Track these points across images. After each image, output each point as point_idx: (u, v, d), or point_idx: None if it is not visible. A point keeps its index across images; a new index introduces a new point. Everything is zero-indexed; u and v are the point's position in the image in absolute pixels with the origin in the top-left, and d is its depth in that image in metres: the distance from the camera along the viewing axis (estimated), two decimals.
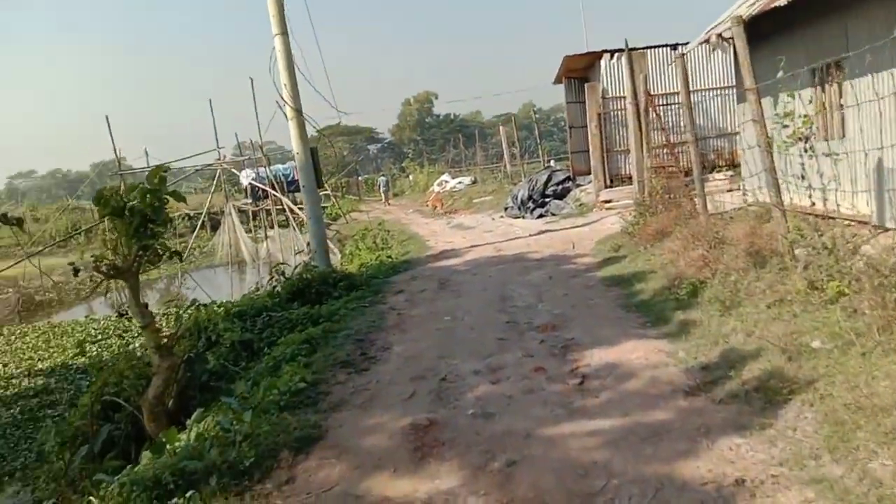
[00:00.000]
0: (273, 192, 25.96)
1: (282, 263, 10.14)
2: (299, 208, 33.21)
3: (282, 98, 11.78)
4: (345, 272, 10.40)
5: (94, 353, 12.44)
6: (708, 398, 4.40)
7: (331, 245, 21.15)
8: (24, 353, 14.23)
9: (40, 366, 13.07)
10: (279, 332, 8.05)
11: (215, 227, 30.64)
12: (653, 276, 8.03)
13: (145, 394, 5.91)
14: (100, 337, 14.79)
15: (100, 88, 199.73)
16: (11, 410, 10.35)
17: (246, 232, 28.24)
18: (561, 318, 7.05)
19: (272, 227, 26.49)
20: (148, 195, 5.36)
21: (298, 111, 11.81)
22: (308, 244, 13.56)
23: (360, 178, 53.56)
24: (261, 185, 26.88)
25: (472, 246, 13.75)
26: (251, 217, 29.26)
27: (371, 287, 10.04)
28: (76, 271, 6.19)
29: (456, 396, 5.09)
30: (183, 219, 38.42)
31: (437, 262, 12.18)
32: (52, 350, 14.32)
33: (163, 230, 5.72)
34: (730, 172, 16.24)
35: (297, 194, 34.09)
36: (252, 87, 25.34)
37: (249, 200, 29.54)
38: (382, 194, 39.68)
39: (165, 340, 6.01)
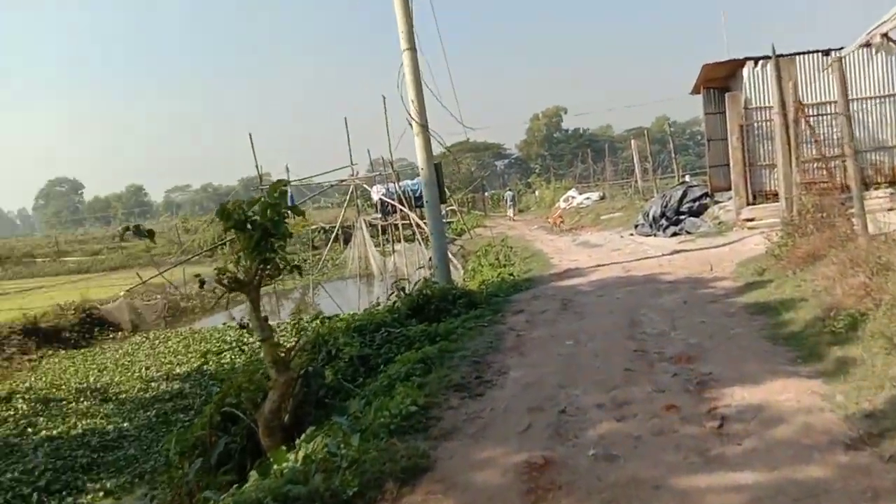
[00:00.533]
0: (401, 206, 26.36)
1: (402, 279, 10.04)
2: (425, 223, 33.77)
3: (408, 114, 11.80)
4: (465, 289, 10.19)
5: (226, 361, 12.92)
6: (874, 454, 3.74)
7: (454, 260, 21.14)
8: (164, 357, 15.07)
9: (178, 370, 13.77)
10: (397, 348, 7.92)
11: (348, 240, 31.57)
12: (803, 305, 7.19)
13: (261, 408, 5.90)
14: (234, 345, 15.45)
15: (245, 108, 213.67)
16: (148, 413, 10.88)
17: (375, 246, 28.88)
18: (697, 349, 6.43)
19: (399, 242, 26.92)
20: (268, 209, 5.34)
21: (424, 127, 11.79)
22: (430, 259, 13.46)
23: (486, 193, 53.66)
24: (389, 200, 27.40)
25: (599, 265, 13.14)
26: (380, 231, 29.88)
27: (491, 305, 9.75)
28: (202, 283, 6.33)
29: (576, 433, 4.66)
30: (319, 232, 40.08)
31: (561, 282, 11.70)
32: (189, 355, 15.09)
33: (283, 244, 5.68)
34: (889, 190, 14.66)
35: (423, 209, 34.80)
36: (384, 105, 25.98)
37: (379, 215, 30.22)
38: (508, 210, 39.48)
39: (283, 355, 5.98)
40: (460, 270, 18.90)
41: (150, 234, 5.92)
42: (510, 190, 43.37)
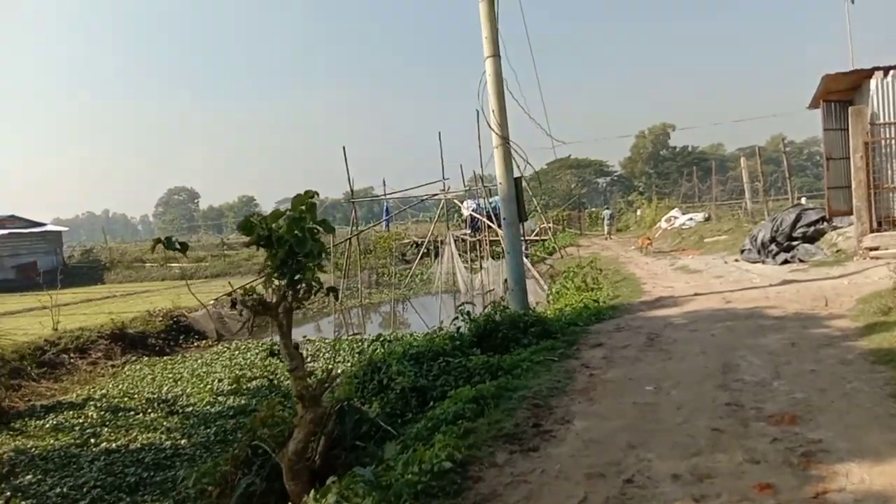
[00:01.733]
0: (489, 223, 25.63)
1: (467, 302, 9.23)
2: None
3: (489, 125, 11.06)
4: (538, 316, 9.27)
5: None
6: None
7: (540, 281, 20.16)
8: (240, 370, 14.87)
9: (251, 384, 13.47)
10: (454, 381, 7.13)
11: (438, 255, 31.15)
12: None
13: (286, 447, 5.25)
14: (308, 359, 15.09)
15: (345, 120, 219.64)
16: (208, 430, 10.54)
17: (463, 262, 28.25)
18: (804, 407, 5.28)
19: (487, 259, 26.17)
20: (293, 225, 4.71)
21: (505, 139, 11.01)
22: (505, 281, 12.59)
23: (583, 211, 52.10)
24: (479, 216, 26.76)
25: (696, 294, 11.86)
26: (469, 247, 29.22)
27: (566, 336, 8.80)
28: (233, 303, 5.74)
29: None
30: (411, 246, 39.95)
31: (650, 311, 10.56)
32: (266, 368, 14.80)
33: (314, 263, 5.02)
34: None
35: None
36: (477, 119, 25.39)
37: (469, 231, 29.64)
38: (605, 228, 37.98)
39: (311, 389, 5.31)
40: (543, 293, 17.91)
41: (183, 248, 5.38)
42: (608, 208, 41.78)
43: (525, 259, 23.57)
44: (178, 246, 5.46)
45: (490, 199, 31.54)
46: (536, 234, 35.66)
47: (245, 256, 46.36)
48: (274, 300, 5.18)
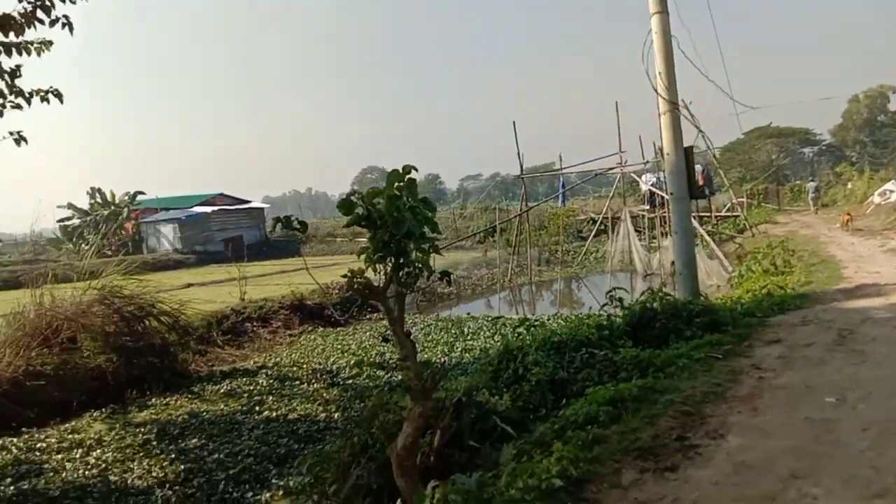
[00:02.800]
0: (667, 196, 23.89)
1: (618, 288, 8.34)
2: (701, 217, 30.47)
3: (654, 88, 9.98)
4: (706, 305, 8.16)
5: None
6: None
7: (724, 262, 18.39)
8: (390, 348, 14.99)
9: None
10: (598, 376, 6.43)
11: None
12: None
13: (394, 442, 4.91)
14: (468, 337, 14.92)
15: (523, 95, 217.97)
16: (363, 404, 10.60)
17: (641, 240, 26.70)
18: None
19: (666, 237, 24.46)
20: (391, 203, 4.30)
21: (674, 104, 9.91)
22: (672, 263, 11.43)
23: (783, 184, 47.35)
24: (658, 191, 25.02)
25: None
26: (647, 225, 27.54)
27: (738, 329, 7.68)
28: (350, 284, 5.44)
29: None
30: (587, 222, 38.63)
31: (847, 302, 9.00)
32: (426, 344, 14.80)
33: (413, 245, 4.60)
34: None
35: (700, 201, 31.43)
36: (655, 86, 23.64)
37: (647, 206, 27.93)
38: (811, 202, 34.16)
39: (424, 380, 4.90)
40: (728, 273, 16.27)
41: (303, 227, 5.16)
42: (813, 181, 37.45)
43: (708, 238, 21.74)
44: (297, 225, 5.27)
45: None
46: (728, 210, 32.87)
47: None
48: (381, 284, 4.83)
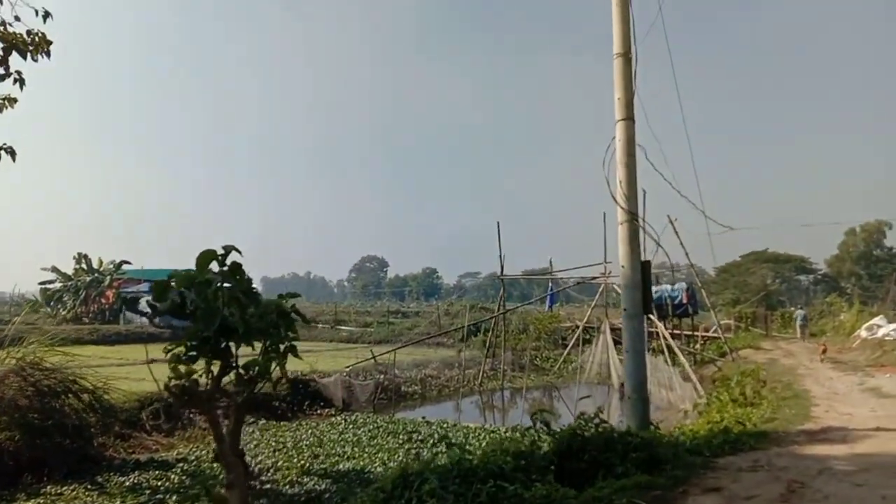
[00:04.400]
0: (649, 314, 23.17)
1: (543, 411, 7.44)
2: (681, 334, 29.62)
3: (612, 197, 9.43)
4: (646, 438, 7.23)
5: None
6: None
7: (698, 387, 17.44)
8: (342, 447, 13.88)
9: (341, 466, 12.43)
10: None
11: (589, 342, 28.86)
12: None
13: None
14: (417, 445, 13.82)
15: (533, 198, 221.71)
16: None
17: (619, 353, 25.75)
18: None
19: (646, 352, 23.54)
20: (200, 290, 3.56)
21: (633, 214, 9.32)
22: (621, 386, 10.52)
23: (775, 309, 46.67)
24: None
25: (879, 428, 9.08)
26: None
27: (677, 469, 6.75)
28: (165, 387, 4.58)
29: None
30: (572, 330, 37.69)
31: (807, 447, 8.07)
32: (367, 448, 13.71)
33: (227, 341, 3.84)
34: None
35: (684, 319, 30.69)
36: (644, 199, 23.42)
37: None
38: (798, 330, 33.40)
39: None
40: (698, 399, 15.30)
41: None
42: (801, 309, 36.81)
43: (683, 358, 20.85)
44: (146, 310, 4.48)
45: (656, 288, 28.97)
46: (713, 331, 32.04)
47: (408, 325, 46.66)
48: (207, 387, 4.03)
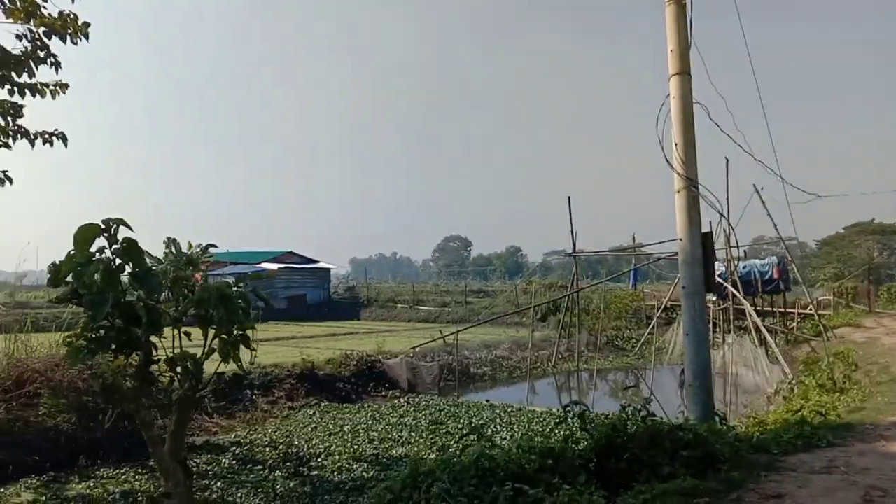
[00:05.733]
0: (734, 290, 21.61)
1: (576, 402, 6.64)
2: (773, 312, 27.65)
3: (667, 161, 8.45)
4: (699, 434, 6.31)
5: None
6: None
7: (786, 370, 16.05)
8: (398, 432, 13.50)
9: (394, 451, 12.05)
10: None
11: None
12: None
13: None
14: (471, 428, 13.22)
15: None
16: (325, 497, 9.23)
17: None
18: None
19: (730, 333, 22.04)
20: (79, 273, 3.05)
21: (691, 181, 8.31)
22: (681, 373, 9.54)
23: (881, 286, 43.22)
24: (723, 282, 22.77)
25: None
26: (710, 318, 25.04)
27: (733, 470, 5.88)
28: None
29: None
30: (657, 310, 36.08)
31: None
32: (424, 433, 13.26)
33: (140, 333, 3.32)
34: None
35: (774, 296, 28.67)
36: (726, 167, 21.81)
37: (713, 297, 25.54)
38: None
39: None
40: (788, 381, 13.97)
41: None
42: None
43: (770, 338, 19.31)
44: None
45: (744, 263, 27.15)
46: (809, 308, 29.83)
47: (486, 305, 46.10)
48: (130, 385, 3.55)
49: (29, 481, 10.03)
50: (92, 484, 10.09)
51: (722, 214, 8.84)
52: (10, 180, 10.27)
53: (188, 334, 4.27)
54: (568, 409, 6.45)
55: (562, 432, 6.46)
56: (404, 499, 5.40)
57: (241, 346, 3.97)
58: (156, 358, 3.67)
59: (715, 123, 9.13)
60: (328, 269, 54.30)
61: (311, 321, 42.05)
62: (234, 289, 4.34)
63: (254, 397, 15.85)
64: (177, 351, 4.54)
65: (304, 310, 47.12)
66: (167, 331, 4.78)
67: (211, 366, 5.51)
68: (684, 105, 8.34)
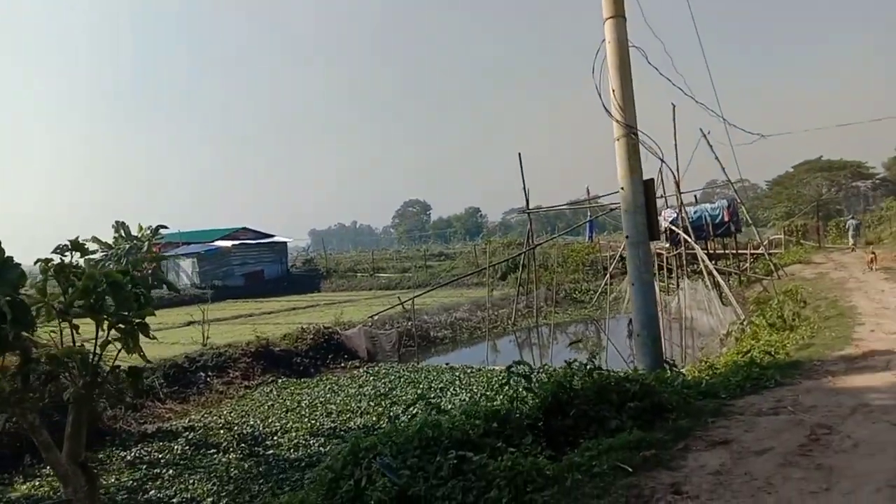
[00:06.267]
0: (685, 235, 21.80)
1: (519, 362, 6.49)
2: (726, 254, 28.04)
3: (605, 108, 8.23)
4: (646, 384, 6.20)
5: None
6: None
7: (738, 311, 16.24)
8: (357, 402, 13.30)
9: (351, 422, 11.86)
10: (462, 493, 4.66)
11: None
12: None
13: None
14: (428, 394, 13.11)
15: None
16: (264, 486, 8.97)
17: (658, 281, 24.49)
18: None
19: (684, 278, 22.27)
20: None
21: (630, 128, 8.11)
22: (629, 324, 9.49)
23: (828, 221, 44.21)
24: (675, 228, 22.95)
25: None
26: (667, 264, 25.30)
27: (681, 418, 5.79)
28: None
29: None
30: (617, 259, 36.37)
31: (842, 378, 6.98)
32: (383, 402, 13.09)
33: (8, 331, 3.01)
34: None
35: (726, 239, 29.06)
36: (673, 114, 21.78)
37: (666, 244, 25.76)
38: (850, 240, 31.44)
39: None
40: (740, 322, 14.10)
41: None
42: (853, 218, 34.58)
43: (721, 280, 19.52)
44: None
45: (694, 208, 27.40)
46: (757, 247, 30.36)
47: (445, 268, 45.96)
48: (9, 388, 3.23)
49: None
50: (37, 483, 9.70)
51: (662, 160, 8.66)
52: None
53: (76, 327, 3.92)
54: (511, 369, 6.26)
55: (509, 393, 6.28)
56: (346, 476, 5.20)
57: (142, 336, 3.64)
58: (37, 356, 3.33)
59: (654, 67, 8.93)
60: (284, 243, 53.44)
61: (270, 297, 41.40)
62: (131, 273, 4.01)
63: (208, 379, 15.49)
64: (87, 346, 4.18)
65: (261, 286, 46.34)
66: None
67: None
68: (620, 49, 8.09)
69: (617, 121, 8.05)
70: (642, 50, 8.52)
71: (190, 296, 39.52)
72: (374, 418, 11.99)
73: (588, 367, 6.32)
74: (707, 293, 19.03)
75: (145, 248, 47.52)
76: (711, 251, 26.72)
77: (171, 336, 19.91)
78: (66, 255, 3.42)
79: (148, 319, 4.57)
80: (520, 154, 24.87)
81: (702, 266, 20.20)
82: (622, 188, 8.12)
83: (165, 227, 50.31)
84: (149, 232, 49.43)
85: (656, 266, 25.19)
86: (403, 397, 13.40)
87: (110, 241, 49.34)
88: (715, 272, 19.14)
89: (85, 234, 53.81)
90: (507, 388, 6.47)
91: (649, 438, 5.29)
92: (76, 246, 3.34)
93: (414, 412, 6.80)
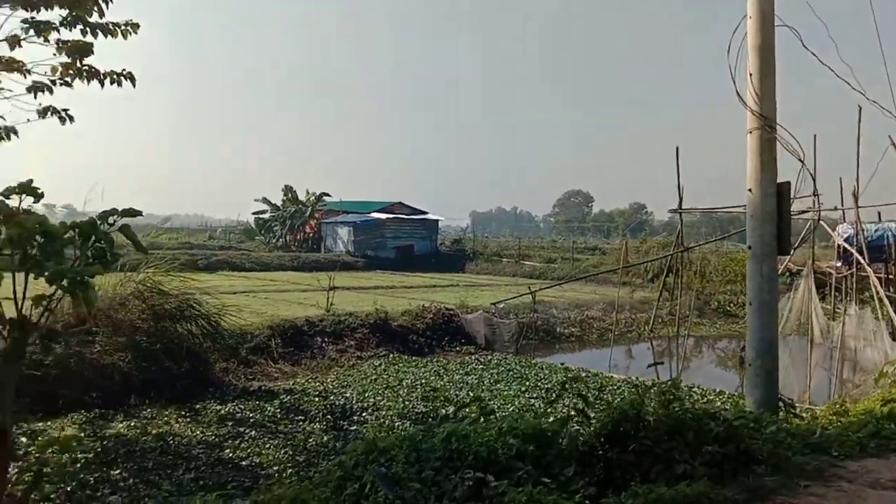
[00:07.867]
0: (859, 256, 19.09)
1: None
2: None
3: (738, 96, 7.02)
4: (735, 426, 5.10)
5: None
6: None
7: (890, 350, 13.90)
8: (457, 390, 12.92)
9: (443, 411, 11.38)
10: None
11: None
12: None
13: None
14: (531, 395, 12.40)
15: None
16: (327, 461, 8.76)
17: (824, 303, 21.77)
18: None
19: (854, 303, 19.59)
20: None
21: (766, 119, 6.86)
22: (742, 349, 8.12)
23: None
24: (850, 248, 20.19)
25: None
26: (832, 286, 22.45)
27: (768, 474, 4.72)
28: None
29: None
30: (787, 274, 33.10)
31: None
32: (484, 394, 12.52)
33: None
34: None
35: None
36: (859, 117, 19.06)
37: (838, 264, 22.83)
38: None
39: None
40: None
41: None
42: None
43: (890, 308, 16.89)
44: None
45: (877, 226, 24.10)
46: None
47: (593, 262, 44.32)
48: None
49: (76, 416, 10.21)
50: (133, 423, 10.14)
51: (801, 161, 7.15)
52: (72, 119, 10.29)
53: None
54: (564, 386, 5.44)
55: (562, 413, 5.48)
56: (355, 477, 4.72)
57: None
58: None
59: (811, 52, 7.55)
60: (436, 221, 54.15)
61: (416, 272, 42.03)
62: (97, 228, 3.69)
63: (323, 345, 15.74)
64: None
65: (411, 260, 47.25)
66: None
67: None
68: (763, 27, 6.83)
69: (751, 110, 6.83)
70: (795, 30, 7.19)
71: (342, 262, 41.10)
72: (466, 410, 11.45)
73: (667, 395, 5.36)
74: (875, 323, 16.59)
75: (308, 213, 50.19)
76: (892, 275, 23.41)
77: (312, 298, 20.47)
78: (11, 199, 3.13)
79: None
80: (677, 148, 22.97)
81: (873, 291, 17.62)
82: (749, 189, 6.89)
83: (328, 195, 52.77)
84: (313, 198, 52.10)
85: (828, 287, 22.67)
86: (505, 392, 12.79)
87: (279, 203, 52.72)
88: (886, 300, 16.61)
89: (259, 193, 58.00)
90: (559, 404, 5.66)
91: (714, 496, 4.32)
92: (25, 189, 3.04)
93: (462, 416, 6.19)
